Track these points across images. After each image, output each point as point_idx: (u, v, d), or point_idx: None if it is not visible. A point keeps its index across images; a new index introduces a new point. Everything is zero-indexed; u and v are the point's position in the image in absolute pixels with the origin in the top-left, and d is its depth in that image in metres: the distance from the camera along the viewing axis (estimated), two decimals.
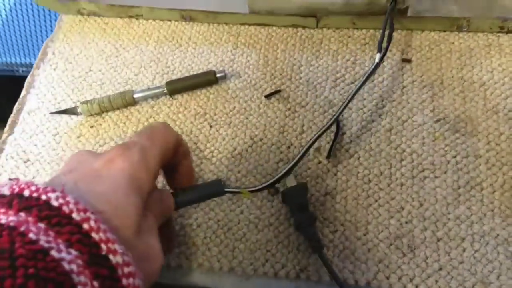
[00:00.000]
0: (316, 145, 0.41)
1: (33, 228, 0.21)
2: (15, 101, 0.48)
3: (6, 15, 0.99)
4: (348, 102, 0.40)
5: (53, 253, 0.20)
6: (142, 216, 0.26)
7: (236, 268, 0.36)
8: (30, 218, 0.21)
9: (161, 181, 0.38)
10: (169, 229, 0.33)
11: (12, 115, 0.47)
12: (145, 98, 0.45)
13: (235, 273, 0.36)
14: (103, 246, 0.22)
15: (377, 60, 0.41)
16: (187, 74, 0.47)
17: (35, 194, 0.22)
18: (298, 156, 0.38)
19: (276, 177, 0.37)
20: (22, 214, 0.21)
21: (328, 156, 0.41)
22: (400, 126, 0.42)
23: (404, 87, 0.44)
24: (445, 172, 0.39)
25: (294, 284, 0.35)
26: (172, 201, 0.31)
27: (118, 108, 0.45)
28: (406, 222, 0.37)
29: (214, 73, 0.46)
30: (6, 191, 0.23)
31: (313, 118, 0.43)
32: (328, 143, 0.41)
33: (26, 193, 0.22)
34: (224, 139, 0.43)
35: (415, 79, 0.44)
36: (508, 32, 0.46)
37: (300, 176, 0.40)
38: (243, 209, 0.39)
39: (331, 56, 0.47)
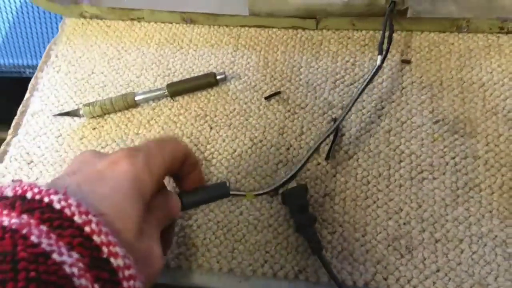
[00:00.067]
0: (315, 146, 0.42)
1: (35, 231, 0.21)
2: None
3: (13, 17, 1.00)
4: (351, 108, 0.40)
5: (55, 256, 0.20)
6: (144, 218, 0.26)
7: (235, 269, 0.36)
8: (32, 221, 0.21)
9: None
10: (169, 232, 0.33)
11: (16, 117, 0.47)
12: (146, 100, 0.46)
13: (234, 274, 0.36)
14: (104, 249, 0.22)
15: (378, 62, 0.41)
16: (188, 76, 0.47)
17: (37, 196, 0.23)
18: (302, 162, 0.38)
19: (281, 182, 0.37)
20: (25, 216, 0.22)
21: (327, 158, 0.41)
22: (399, 127, 0.42)
23: (403, 88, 0.44)
24: (444, 174, 0.39)
25: (292, 285, 0.35)
26: (178, 203, 0.32)
27: (119, 110, 0.46)
28: (404, 224, 0.37)
29: (215, 75, 0.46)
30: (9, 193, 0.23)
31: (313, 119, 0.44)
32: (327, 144, 0.42)
33: (29, 195, 0.23)
34: (224, 140, 0.43)
35: (415, 80, 0.44)
36: (507, 32, 0.46)
37: (299, 178, 0.40)
38: (242, 210, 0.39)
39: (330, 57, 0.47)
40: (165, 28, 0.51)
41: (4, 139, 0.46)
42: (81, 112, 0.45)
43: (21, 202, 0.22)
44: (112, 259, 0.22)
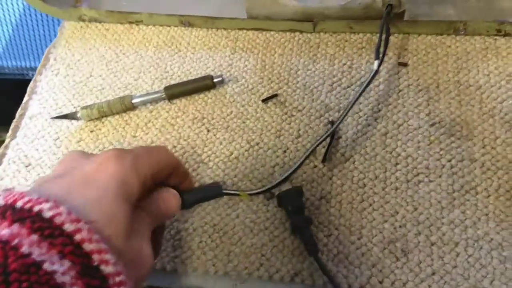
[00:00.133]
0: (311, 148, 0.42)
1: (26, 241, 0.21)
2: None
3: (16, 20, 1.01)
4: (348, 112, 0.40)
5: (46, 266, 0.21)
6: (132, 220, 0.26)
7: (231, 272, 0.36)
8: (23, 231, 0.22)
9: None
10: (160, 233, 0.33)
11: (14, 120, 0.48)
12: (144, 103, 0.46)
13: (230, 277, 0.36)
14: (95, 256, 0.22)
15: (375, 67, 0.41)
16: (185, 79, 0.47)
17: (28, 205, 0.23)
18: (297, 164, 0.38)
19: (274, 183, 0.37)
20: (15, 226, 0.22)
21: (323, 160, 0.41)
22: (396, 130, 0.42)
23: (400, 91, 0.44)
24: (440, 176, 0.39)
25: None
26: (178, 200, 0.32)
27: (117, 113, 0.46)
28: (400, 226, 0.37)
29: (212, 78, 0.46)
30: (0, 202, 0.23)
31: (310, 122, 0.44)
32: (324, 147, 0.42)
33: (19, 204, 0.23)
34: (221, 143, 0.43)
35: (411, 83, 0.44)
36: (505, 35, 0.46)
37: (295, 180, 0.40)
38: (239, 213, 0.39)
39: (328, 60, 0.47)
40: (163, 31, 0.52)
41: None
42: (78, 115, 0.45)
43: (12, 212, 0.22)
44: (102, 266, 0.22)
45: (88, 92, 0.48)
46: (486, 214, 0.37)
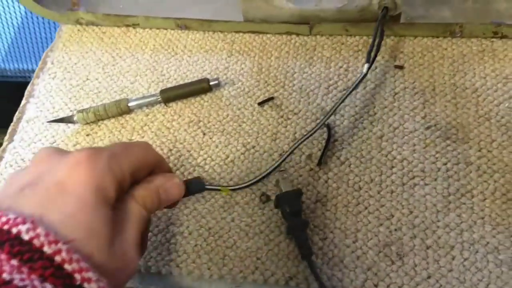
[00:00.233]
0: (307, 152, 0.42)
1: (6, 267, 0.21)
2: None
3: (18, 23, 1.01)
4: (335, 109, 0.40)
5: None
6: (114, 224, 0.26)
7: (226, 275, 0.36)
8: (3, 256, 0.22)
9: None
10: (145, 228, 0.33)
11: (12, 124, 0.48)
12: (139, 106, 0.46)
13: (225, 281, 0.36)
14: (77, 276, 0.22)
15: (364, 70, 0.41)
16: (182, 82, 0.47)
17: (6, 227, 0.22)
18: (281, 160, 0.39)
19: (254, 180, 0.39)
20: None
21: (319, 164, 0.41)
22: (391, 133, 0.42)
23: (396, 93, 0.44)
24: (435, 179, 0.39)
25: None
26: (178, 187, 0.31)
27: (113, 116, 0.46)
28: (396, 230, 0.37)
29: (208, 81, 0.46)
30: None
31: (306, 125, 0.44)
32: (320, 150, 0.42)
33: None
34: (217, 146, 0.43)
35: (407, 86, 0.44)
36: (502, 37, 0.46)
37: (291, 184, 0.40)
38: (234, 217, 0.39)
39: (324, 63, 0.47)
40: (160, 34, 0.52)
41: None
42: (75, 118, 0.45)
43: None
44: (85, 285, 0.22)
45: (84, 96, 0.48)
46: (482, 218, 0.37)
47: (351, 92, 0.41)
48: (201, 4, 0.52)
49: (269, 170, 0.39)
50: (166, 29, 0.52)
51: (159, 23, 0.51)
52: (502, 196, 0.38)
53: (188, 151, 0.43)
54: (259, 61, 0.48)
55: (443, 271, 0.35)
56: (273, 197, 0.39)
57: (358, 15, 0.46)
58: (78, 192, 0.25)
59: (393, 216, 0.38)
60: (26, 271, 0.21)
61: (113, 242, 0.25)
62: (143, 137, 0.44)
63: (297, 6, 0.47)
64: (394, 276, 0.35)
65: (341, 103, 0.41)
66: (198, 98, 0.47)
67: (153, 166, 0.31)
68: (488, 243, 0.36)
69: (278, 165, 0.39)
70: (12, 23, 1.01)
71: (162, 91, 0.46)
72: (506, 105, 0.42)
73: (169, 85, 0.47)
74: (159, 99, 0.46)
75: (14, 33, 1.03)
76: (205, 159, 0.43)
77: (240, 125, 0.44)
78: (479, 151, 0.40)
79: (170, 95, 0.46)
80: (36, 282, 0.21)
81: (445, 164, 0.40)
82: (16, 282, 0.21)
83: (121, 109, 0.45)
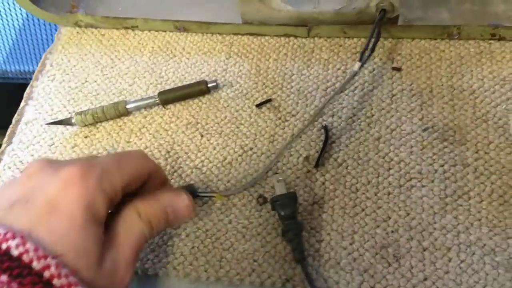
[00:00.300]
0: (305, 154, 0.42)
1: None
2: None
3: (19, 25, 1.01)
4: (323, 106, 0.41)
5: None
6: (104, 242, 0.26)
7: (223, 278, 0.36)
8: None
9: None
10: None
11: (11, 126, 0.48)
12: (138, 108, 0.46)
13: (222, 283, 0.36)
14: None
15: (355, 68, 0.42)
16: (180, 84, 0.48)
17: None
18: (273, 162, 0.39)
19: (247, 185, 0.39)
20: None
21: (316, 165, 0.41)
22: (389, 134, 0.42)
23: (393, 95, 0.44)
24: (433, 181, 0.39)
25: None
26: (187, 208, 0.31)
27: (111, 119, 0.46)
28: (392, 232, 0.37)
29: (206, 83, 0.46)
30: None
31: (303, 127, 0.44)
32: (317, 152, 0.42)
33: None
34: (214, 148, 0.43)
35: (405, 88, 0.44)
36: (499, 39, 0.46)
37: (288, 186, 0.40)
38: (231, 219, 0.39)
39: (322, 65, 0.47)
40: (159, 37, 0.52)
41: None
42: (73, 120, 0.45)
43: None
44: None
45: (83, 98, 0.48)
46: (479, 220, 0.37)
47: (340, 90, 0.41)
48: (200, 6, 0.52)
49: (257, 174, 0.38)
50: (164, 31, 0.52)
51: (157, 25, 0.52)
52: (499, 198, 0.38)
53: (186, 153, 0.43)
54: (257, 63, 0.49)
55: (440, 273, 0.35)
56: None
57: (356, 18, 0.46)
58: (69, 211, 0.25)
59: (390, 218, 0.38)
60: (16, 286, 0.21)
61: (104, 259, 0.25)
62: (141, 139, 0.45)
63: (295, 9, 0.47)
64: (390, 278, 0.35)
65: (330, 99, 0.41)
66: (196, 100, 0.47)
67: (147, 175, 0.31)
68: (485, 245, 0.36)
69: (270, 168, 0.39)
70: (13, 25, 1.02)
71: (161, 93, 0.46)
72: (504, 107, 0.42)
73: (167, 87, 0.48)
74: (157, 101, 0.46)
75: (15, 35, 1.03)
76: (202, 161, 0.43)
77: (238, 127, 0.44)
78: (476, 152, 0.40)
79: (169, 97, 0.46)
80: None
81: (442, 166, 0.40)
82: None
83: (119, 111, 0.45)
